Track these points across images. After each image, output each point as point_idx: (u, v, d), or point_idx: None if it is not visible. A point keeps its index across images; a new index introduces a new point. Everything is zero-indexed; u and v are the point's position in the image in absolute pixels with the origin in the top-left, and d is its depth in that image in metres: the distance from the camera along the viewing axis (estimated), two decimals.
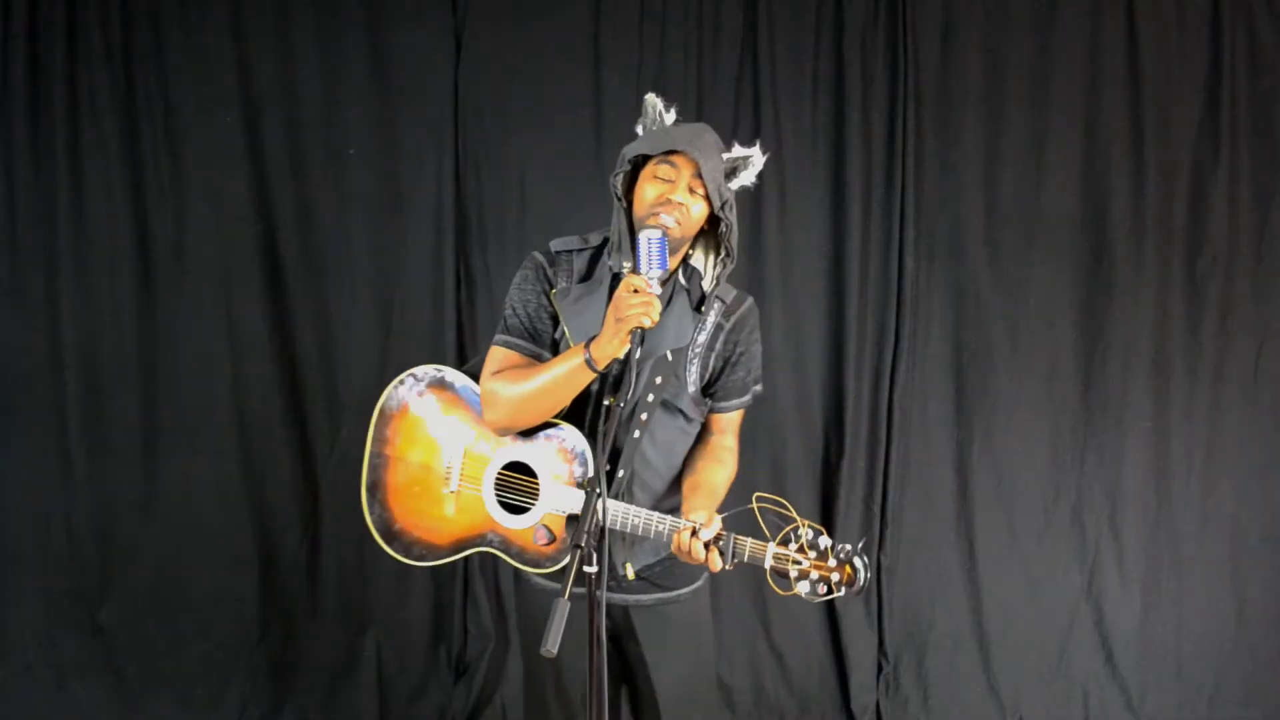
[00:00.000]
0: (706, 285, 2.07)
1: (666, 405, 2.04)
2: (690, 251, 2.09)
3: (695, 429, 2.12)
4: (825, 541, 1.80)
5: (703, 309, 2.06)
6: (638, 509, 1.93)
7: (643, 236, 1.88)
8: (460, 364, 3.36)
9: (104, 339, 3.33)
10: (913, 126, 3.34)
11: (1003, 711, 3.41)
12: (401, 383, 2.16)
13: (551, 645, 1.49)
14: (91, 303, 3.32)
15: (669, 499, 2.08)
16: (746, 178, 2.04)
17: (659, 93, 3.29)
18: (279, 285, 3.36)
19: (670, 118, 2.05)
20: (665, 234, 1.91)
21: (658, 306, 1.83)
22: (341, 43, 3.31)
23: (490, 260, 3.39)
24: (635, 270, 1.90)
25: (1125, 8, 3.32)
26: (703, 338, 2.07)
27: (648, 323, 1.82)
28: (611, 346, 1.86)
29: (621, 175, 2.03)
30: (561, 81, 3.34)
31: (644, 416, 2.01)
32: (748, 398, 2.16)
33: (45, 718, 3.28)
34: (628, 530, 1.93)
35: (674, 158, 1.97)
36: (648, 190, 1.98)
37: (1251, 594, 3.42)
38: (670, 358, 2.02)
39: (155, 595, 3.37)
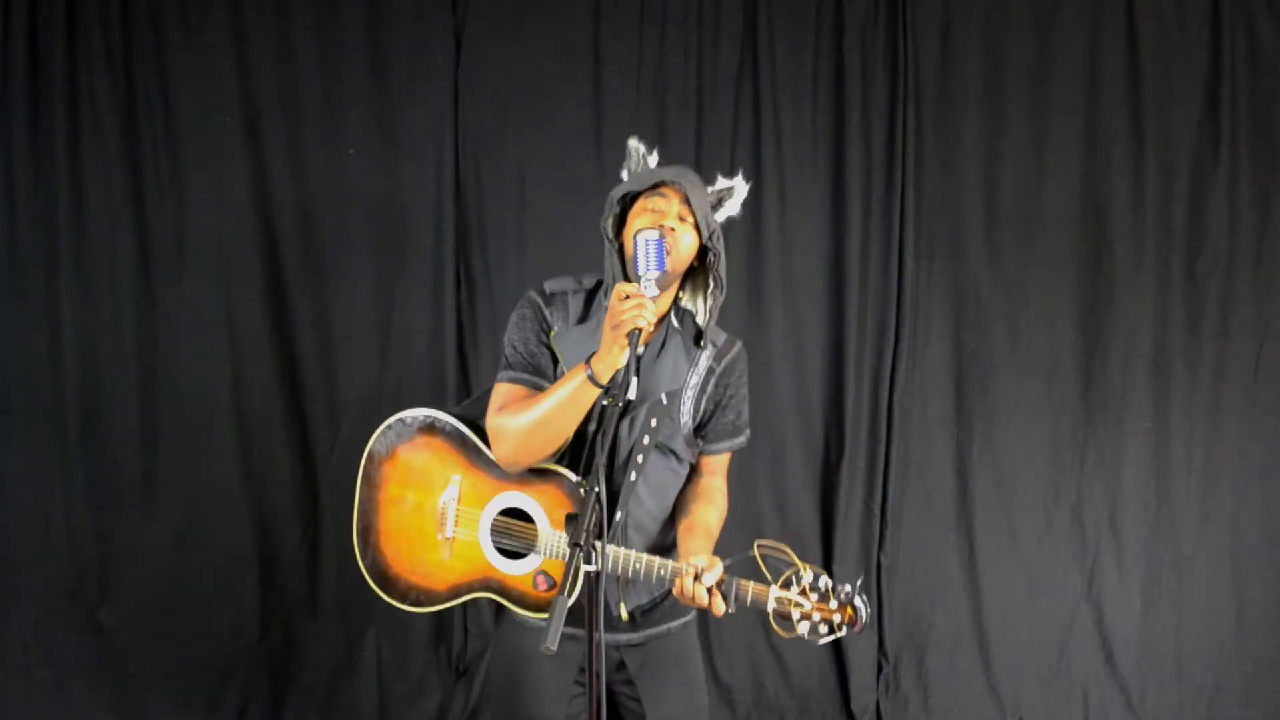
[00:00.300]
0: (701, 321, 2.08)
1: (660, 448, 2.05)
2: (680, 294, 2.09)
3: (685, 470, 2.13)
4: (826, 583, 1.82)
5: (701, 343, 2.07)
6: (639, 554, 1.93)
7: (640, 238, 1.88)
8: (460, 364, 3.39)
9: (104, 339, 3.33)
10: (913, 126, 3.34)
11: (1003, 711, 3.40)
12: (390, 427, 2.13)
13: (551, 643, 1.48)
14: (91, 303, 3.32)
15: (661, 539, 2.09)
16: (731, 207, 2.06)
17: (659, 93, 3.33)
18: (279, 285, 3.36)
19: (654, 160, 2.08)
20: (663, 236, 1.90)
21: (651, 308, 1.82)
22: (341, 43, 3.31)
23: (490, 260, 3.39)
24: (635, 272, 1.90)
25: (1125, 8, 3.32)
26: (695, 379, 2.08)
27: (642, 324, 1.81)
28: (611, 356, 1.85)
29: (611, 218, 2.04)
30: (561, 81, 3.34)
31: (640, 459, 2.02)
32: (740, 440, 2.17)
33: (45, 718, 3.28)
34: (629, 575, 1.93)
35: (662, 189, 2.00)
36: (639, 224, 1.98)
37: (1251, 594, 3.42)
38: (665, 401, 2.03)
39: (155, 595, 3.37)
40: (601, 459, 1.68)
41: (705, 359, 2.08)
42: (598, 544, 1.64)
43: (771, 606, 1.83)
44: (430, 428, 2.10)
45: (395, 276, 3.37)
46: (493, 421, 2.01)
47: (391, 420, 2.13)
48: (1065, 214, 3.38)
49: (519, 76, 3.33)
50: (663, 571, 1.89)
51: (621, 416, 2.00)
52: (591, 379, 1.87)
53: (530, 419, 1.94)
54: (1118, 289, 3.36)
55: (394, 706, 3.40)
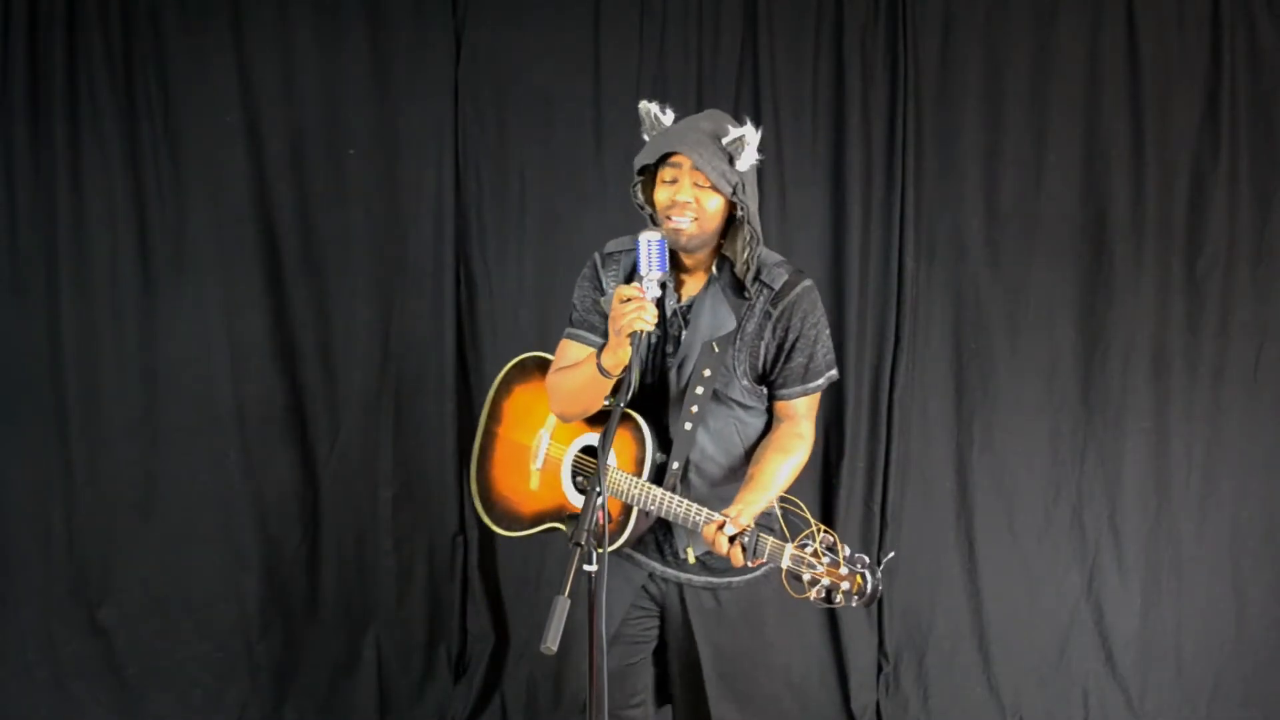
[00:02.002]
0: (739, 270, 2.07)
1: (718, 395, 2.07)
2: (722, 241, 2.09)
3: (757, 416, 2.14)
4: (840, 548, 1.80)
5: (745, 294, 2.06)
6: (679, 499, 1.97)
7: (642, 238, 1.92)
8: (460, 364, 3.40)
9: (104, 339, 3.33)
10: (913, 126, 3.34)
11: (1003, 711, 3.40)
12: (514, 366, 2.35)
13: (551, 643, 1.50)
14: (91, 303, 3.32)
15: (732, 485, 2.08)
16: (749, 157, 1.99)
17: (659, 93, 3.33)
18: (279, 285, 3.36)
19: (668, 118, 2.06)
20: (664, 236, 1.95)
21: (652, 310, 1.87)
22: (341, 43, 3.31)
23: (490, 260, 3.39)
24: (637, 272, 1.94)
25: (1125, 8, 3.32)
26: (751, 326, 2.08)
27: (642, 326, 1.85)
28: (617, 355, 1.91)
29: (639, 185, 2.09)
30: (561, 81, 3.34)
31: (694, 409, 2.05)
32: (819, 382, 2.13)
33: (45, 718, 3.28)
34: (667, 518, 2.00)
35: (673, 158, 1.99)
36: (659, 196, 2.02)
37: (1251, 594, 3.41)
38: (717, 349, 2.04)
39: (155, 595, 3.37)
40: (604, 461, 1.71)
41: (761, 304, 2.07)
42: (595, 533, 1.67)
43: (785, 564, 1.84)
44: (541, 368, 2.27)
45: (395, 276, 3.38)
46: (549, 379, 2.17)
47: (514, 361, 2.36)
48: (1065, 214, 3.37)
49: (519, 76, 3.33)
50: (697, 517, 1.94)
51: (666, 364, 2.09)
52: (602, 372, 1.96)
53: (566, 389, 2.10)
54: (1118, 289, 3.36)
55: (394, 706, 3.40)
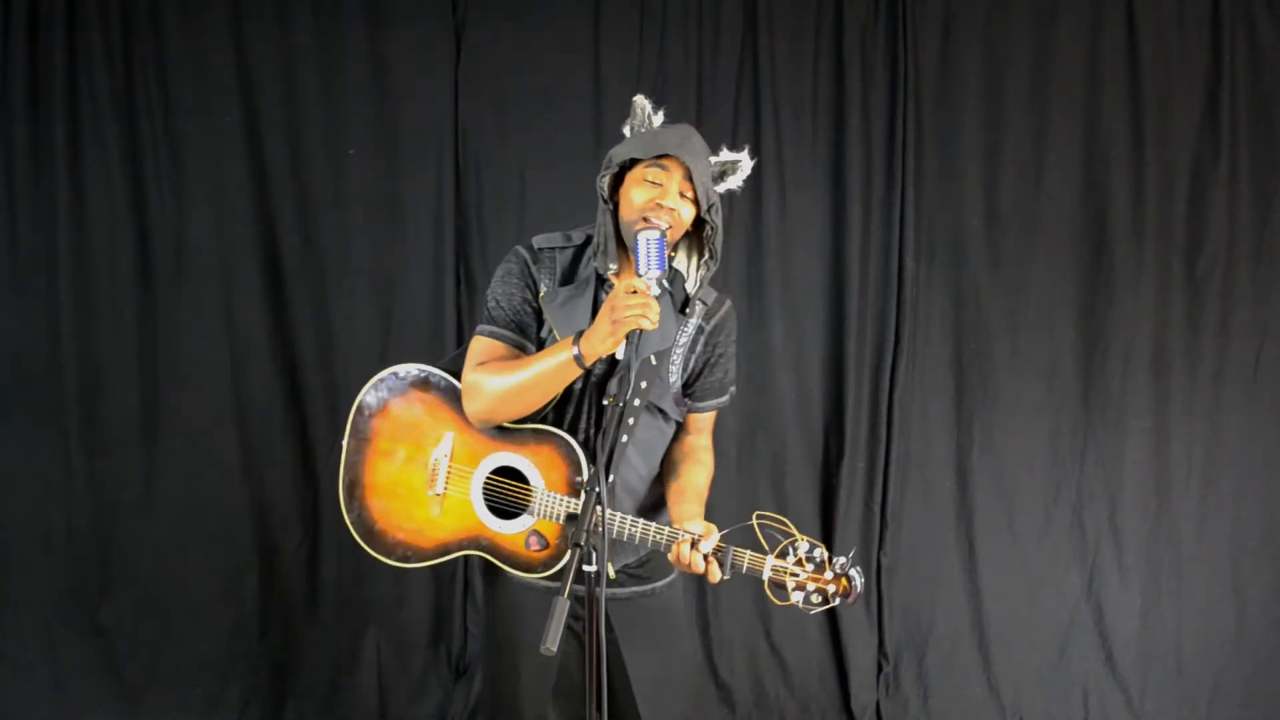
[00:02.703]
0: (690, 287, 2.07)
1: (650, 408, 2.05)
2: (672, 254, 2.08)
3: (672, 430, 2.14)
4: (821, 554, 1.84)
5: (687, 311, 2.07)
6: (635, 518, 1.94)
7: (641, 237, 1.87)
8: None
9: (104, 339, 3.33)
10: (913, 126, 3.34)
11: (1003, 711, 3.41)
12: (382, 380, 2.11)
13: (551, 643, 1.49)
14: (91, 303, 3.32)
15: (648, 499, 2.11)
16: (734, 182, 2.04)
17: (659, 93, 3.33)
18: (279, 285, 3.36)
19: (659, 119, 2.04)
20: (664, 235, 1.90)
21: (656, 309, 1.80)
22: (341, 43, 3.31)
23: (490, 260, 3.39)
24: (635, 272, 1.89)
25: (1125, 7, 3.32)
26: (684, 339, 2.08)
27: (646, 325, 1.79)
28: (604, 346, 1.84)
29: (608, 177, 2.01)
30: (561, 81, 3.34)
31: (631, 421, 2.02)
32: (725, 399, 2.18)
33: (45, 718, 3.28)
34: (624, 539, 1.94)
35: (664, 161, 1.95)
36: (636, 194, 1.96)
37: (1251, 594, 3.42)
38: (655, 361, 2.03)
39: (155, 595, 3.37)
40: (603, 458, 1.68)
41: (695, 317, 2.08)
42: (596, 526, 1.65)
43: (767, 575, 1.86)
44: (424, 383, 2.09)
45: (395, 276, 3.37)
46: (470, 377, 2.00)
47: (384, 374, 2.11)
48: (1065, 214, 3.38)
49: (519, 76, 3.33)
50: (658, 537, 1.90)
51: (608, 376, 2.00)
52: (578, 360, 1.87)
53: (508, 384, 1.94)
54: (1118, 289, 3.36)
55: (394, 706, 3.40)
